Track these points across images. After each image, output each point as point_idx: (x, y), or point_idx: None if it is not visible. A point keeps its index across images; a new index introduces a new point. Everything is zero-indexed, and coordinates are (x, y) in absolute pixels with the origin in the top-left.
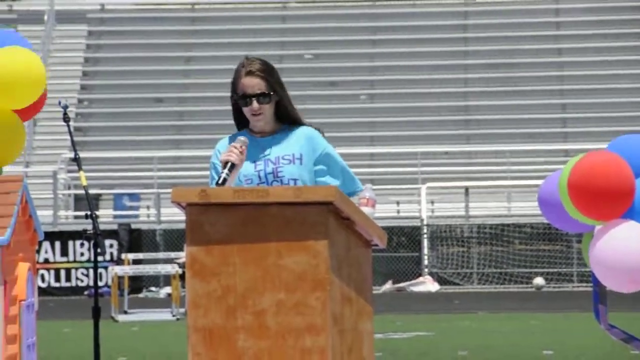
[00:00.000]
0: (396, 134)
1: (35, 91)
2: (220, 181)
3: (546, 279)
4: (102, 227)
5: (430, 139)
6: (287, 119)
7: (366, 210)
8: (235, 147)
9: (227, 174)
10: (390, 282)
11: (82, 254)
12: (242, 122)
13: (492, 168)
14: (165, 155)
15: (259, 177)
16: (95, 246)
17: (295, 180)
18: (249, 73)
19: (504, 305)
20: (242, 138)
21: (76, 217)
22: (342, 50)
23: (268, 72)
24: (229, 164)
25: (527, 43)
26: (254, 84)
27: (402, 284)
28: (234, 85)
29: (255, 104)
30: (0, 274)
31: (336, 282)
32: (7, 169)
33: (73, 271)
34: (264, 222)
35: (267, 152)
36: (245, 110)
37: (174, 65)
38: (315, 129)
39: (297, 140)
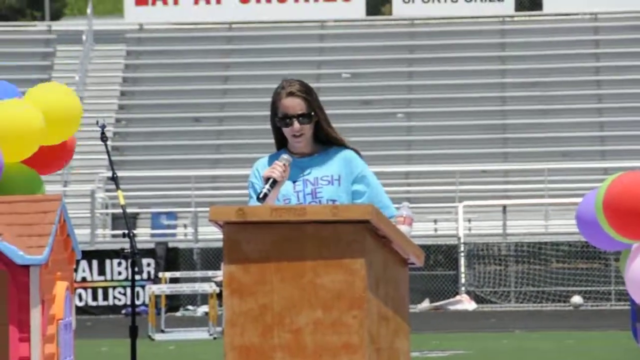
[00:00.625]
0: (433, 152)
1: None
2: (261, 195)
3: (584, 298)
4: (139, 245)
5: (468, 157)
6: (326, 140)
7: (403, 228)
8: (279, 165)
9: (268, 190)
10: (427, 300)
11: (119, 273)
12: (282, 143)
13: (530, 186)
14: (203, 174)
15: (298, 197)
16: (133, 265)
17: (333, 201)
18: (290, 94)
19: (541, 324)
20: (285, 156)
21: (114, 236)
22: (379, 69)
23: (308, 92)
24: (271, 180)
25: (565, 61)
26: (295, 104)
27: (439, 303)
28: (274, 106)
29: (296, 125)
30: (38, 293)
31: (373, 300)
32: (46, 188)
33: (110, 290)
34: (301, 241)
35: (306, 173)
36: (286, 131)
37: (212, 84)
38: (353, 149)
39: (336, 162)
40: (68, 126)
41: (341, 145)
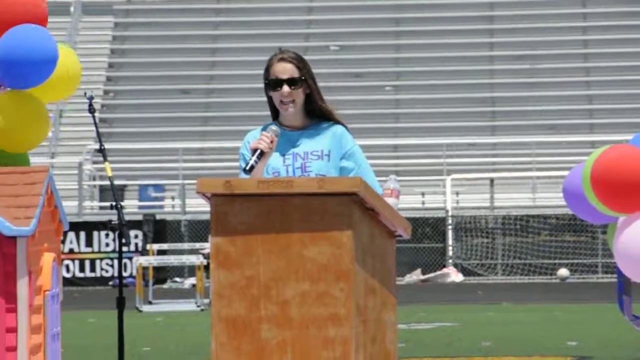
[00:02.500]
0: (421, 125)
1: (72, 87)
2: (247, 167)
3: (571, 270)
4: (127, 217)
5: (456, 130)
6: (317, 114)
7: (390, 201)
8: (266, 136)
9: (255, 161)
10: (419, 271)
11: (107, 245)
12: (277, 114)
13: (518, 159)
14: (191, 146)
15: (287, 171)
16: (120, 237)
17: (322, 176)
18: (282, 59)
19: (528, 297)
20: (273, 127)
21: (101, 207)
22: (367, 41)
23: (300, 61)
24: (258, 152)
25: (554, 35)
26: (285, 69)
27: (427, 276)
28: (266, 73)
29: (285, 88)
30: (25, 264)
31: (360, 272)
32: (33, 160)
33: (98, 262)
34: (288, 213)
35: (296, 147)
36: (275, 97)
37: (200, 56)
38: (343, 125)
39: (326, 137)
40: (69, 84)
41: (332, 119)
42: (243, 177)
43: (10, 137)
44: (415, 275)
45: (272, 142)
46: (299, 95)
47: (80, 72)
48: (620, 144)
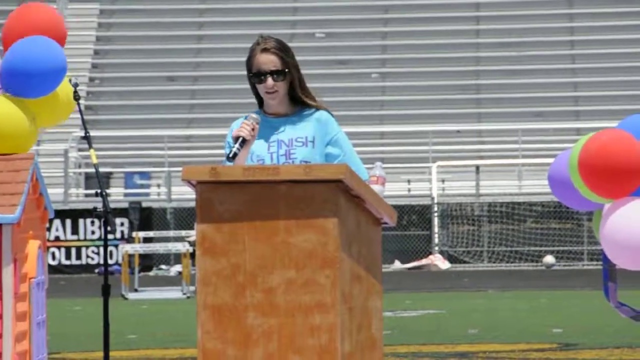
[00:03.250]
0: (407, 112)
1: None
2: (231, 155)
3: (556, 257)
4: (112, 205)
5: (441, 117)
6: (300, 101)
7: (376, 188)
8: (247, 124)
9: (238, 149)
10: (397, 261)
11: (92, 232)
12: (262, 102)
13: (503, 146)
14: (176, 134)
15: (272, 158)
16: (106, 224)
17: (307, 162)
18: (264, 50)
19: (514, 284)
20: (254, 115)
21: (87, 195)
22: (353, 29)
23: (283, 50)
24: (240, 139)
25: (539, 22)
26: (268, 61)
27: (411, 264)
28: (249, 63)
29: (269, 81)
30: (10, 252)
31: (346, 260)
32: None
33: (83, 249)
34: (274, 200)
35: (280, 134)
36: (260, 88)
37: (186, 44)
38: (326, 111)
39: (311, 124)
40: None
41: (315, 107)
42: (227, 165)
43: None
44: (399, 264)
45: (253, 129)
46: (283, 86)
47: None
48: (609, 129)
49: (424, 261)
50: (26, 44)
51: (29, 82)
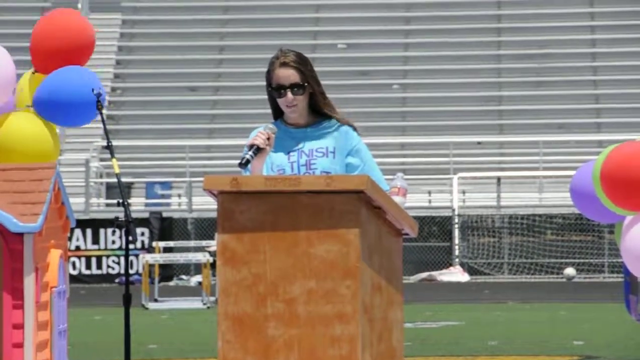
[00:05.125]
0: (428, 123)
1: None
2: (243, 161)
3: (577, 270)
4: (133, 215)
5: (463, 129)
6: (320, 112)
7: (397, 199)
8: (263, 133)
9: (251, 156)
10: (427, 273)
11: (113, 242)
12: (278, 113)
13: (524, 158)
14: (198, 144)
15: (292, 168)
16: (127, 234)
17: (327, 173)
18: (283, 64)
19: (534, 296)
20: (270, 125)
21: (108, 204)
22: (375, 40)
23: (302, 63)
24: (255, 147)
25: (561, 34)
26: (288, 74)
27: (432, 273)
28: (269, 76)
29: (289, 95)
30: (32, 261)
31: (367, 270)
32: None
33: (104, 259)
34: (295, 211)
35: (300, 144)
36: (280, 102)
37: (208, 54)
38: (349, 125)
39: (331, 134)
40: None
41: (335, 119)
42: (243, 174)
43: (23, 156)
44: (422, 276)
45: (269, 138)
46: (303, 99)
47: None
48: (632, 141)
49: (444, 272)
50: (63, 74)
51: (65, 113)
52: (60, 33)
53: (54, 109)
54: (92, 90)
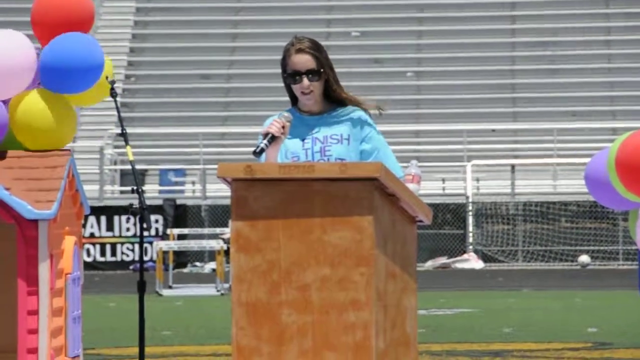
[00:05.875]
0: (442, 111)
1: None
2: (257, 150)
3: (591, 257)
4: (147, 202)
5: (477, 116)
6: (335, 99)
7: (411, 186)
8: (278, 121)
9: (265, 144)
10: (443, 258)
11: (127, 229)
12: (295, 100)
13: (539, 146)
14: (212, 131)
15: (306, 155)
16: (141, 221)
17: (342, 159)
18: (299, 50)
19: (548, 283)
20: (285, 114)
21: (122, 192)
22: (388, 27)
23: (317, 50)
24: (269, 135)
25: (575, 21)
26: (303, 60)
27: (446, 260)
28: (284, 63)
29: (305, 81)
30: (46, 248)
31: (381, 257)
32: None
33: (118, 246)
34: (309, 198)
35: (315, 131)
36: (295, 88)
37: (221, 42)
38: (363, 109)
39: (346, 121)
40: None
41: (351, 104)
42: (258, 162)
43: (35, 137)
44: (436, 262)
45: (283, 127)
46: (318, 85)
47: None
48: None
49: (458, 259)
50: (65, 40)
51: (68, 79)
52: (60, 3)
53: (56, 76)
54: (106, 78)
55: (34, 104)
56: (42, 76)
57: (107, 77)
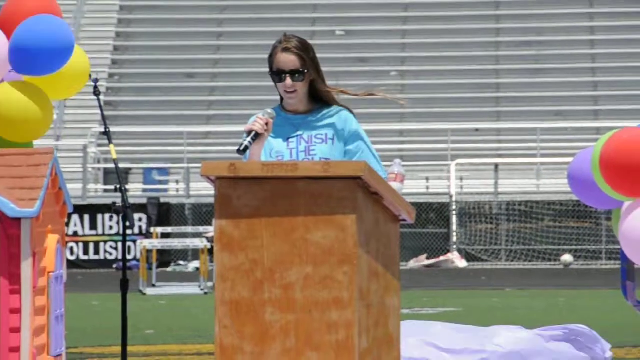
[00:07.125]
0: (426, 110)
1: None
2: (241, 148)
3: (574, 256)
4: (131, 201)
5: (461, 115)
6: (320, 99)
7: (395, 185)
8: (261, 118)
9: (249, 142)
10: (423, 257)
11: (111, 227)
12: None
13: (522, 145)
14: (195, 130)
15: (291, 154)
16: (124, 219)
17: (326, 159)
18: (285, 50)
19: (531, 282)
20: (269, 110)
21: (105, 190)
22: (373, 27)
23: (304, 50)
24: (253, 133)
25: (559, 21)
26: (288, 60)
27: (430, 261)
28: (270, 60)
29: (288, 81)
30: (29, 246)
31: (364, 256)
32: (37, 142)
33: (102, 244)
34: (293, 197)
35: (300, 131)
36: (279, 87)
37: (205, 40)
38: (347, 109)
39: (331, 121)
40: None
41: (335, 105)
42: (242, 160)
43: (12, 127)
44: (419, 262)
45: (267, 124)
46: (302, 85)
47: (88, 70)
48: (632, 127)
49: (441, 258)
50: (34, 22)
51: (36, 60)
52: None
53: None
54: (90, 76)
55: (9, 95)
56: (12, 57)
57: (90, 76)
